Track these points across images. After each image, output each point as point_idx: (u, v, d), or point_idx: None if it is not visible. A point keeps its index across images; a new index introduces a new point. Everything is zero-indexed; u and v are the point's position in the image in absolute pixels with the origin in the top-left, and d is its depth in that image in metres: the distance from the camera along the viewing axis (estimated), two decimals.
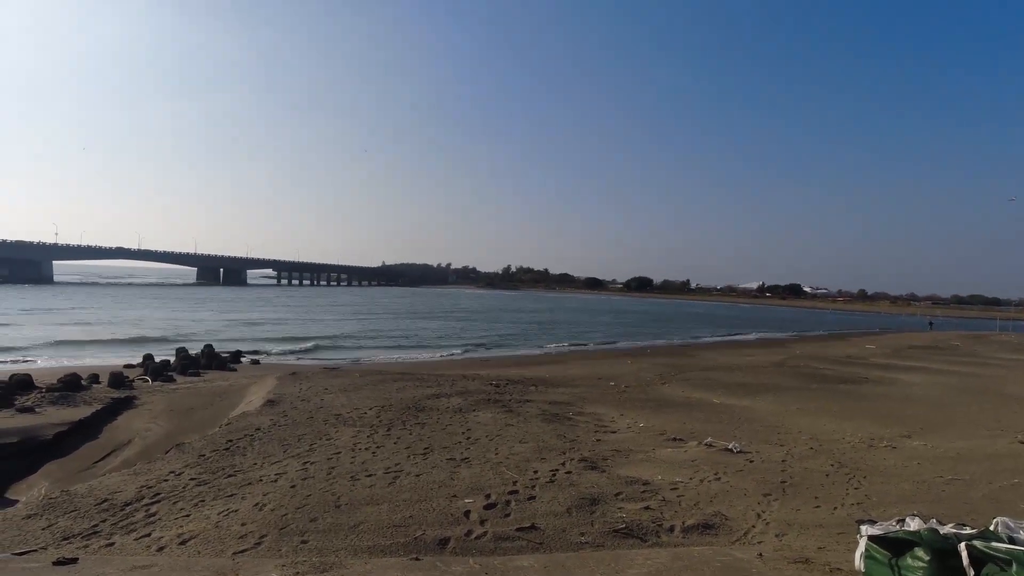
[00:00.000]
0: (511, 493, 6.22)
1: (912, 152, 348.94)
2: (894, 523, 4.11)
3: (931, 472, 7.63)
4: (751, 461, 8.07)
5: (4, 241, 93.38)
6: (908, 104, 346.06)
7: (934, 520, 4.02)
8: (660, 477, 7.16)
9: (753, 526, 5.59)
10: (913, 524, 3.97)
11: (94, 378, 14.13)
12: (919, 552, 3.63)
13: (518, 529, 5.23)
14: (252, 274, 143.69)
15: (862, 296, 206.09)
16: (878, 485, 7.03)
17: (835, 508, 6.12)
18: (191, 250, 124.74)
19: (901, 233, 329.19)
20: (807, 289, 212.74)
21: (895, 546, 3.82)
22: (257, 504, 5.74)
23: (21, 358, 20.47)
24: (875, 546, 3.90)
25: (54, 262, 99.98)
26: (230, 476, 6.75)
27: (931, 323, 72.95)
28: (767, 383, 17.04)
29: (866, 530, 4.07)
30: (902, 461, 8.28)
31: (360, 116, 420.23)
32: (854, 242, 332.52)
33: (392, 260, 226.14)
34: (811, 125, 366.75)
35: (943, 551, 3.57)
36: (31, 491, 7.67)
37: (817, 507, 6.16)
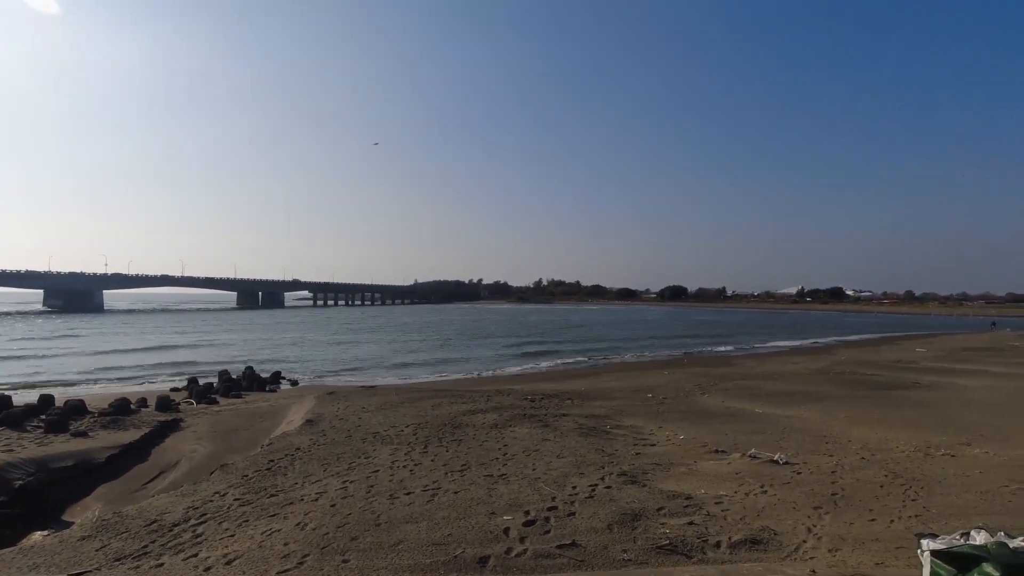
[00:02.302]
0: (550, 509, 6.13)
1: (953, 143, 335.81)
2: (958, 537, 3.88)
3: (996, 481, 7.20)
4: (799, 473, 7.78)
5: (59, 273, 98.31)
6: (947, 95, 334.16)
7: (1002, 533, 3.77)
8: (703, 491, 6.96)
9: (804, 541, 5.36)
10: (979, 538, 3.74)
11: (142, 402, 14.62)
12: (987, 568, 3.41)
13: (558, 546, 5.14)
14: (289, 296, 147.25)
15: (909, 297, 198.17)
16: (938, 496, 6.67)
17: (892, 521, 5.82)
18: (231, 275, 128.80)
19: (947, 229, 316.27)
20: (850, 292, 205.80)
21: (960, 561, 3.61)
22: (299, 523, 5.81)
23: (74, 382, 21.34)
24: (939, 562, 3.69)
25: (104, 291, 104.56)
26: (272, 496, 6.86)
27: (994, 323, 69.23)
28: (812, 391, 16.47)
29: (928, 544, 3.85)
30: (963, 470, 7.84)
31: (388, 135, 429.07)
32: (897, 242, 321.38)
33: (424, 278, 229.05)
34: (845, 125, 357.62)
35: (1014, 566, 3.35)
36: (85, 513, 7.94)
37: (872, 520, 5.87)
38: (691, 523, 5.78)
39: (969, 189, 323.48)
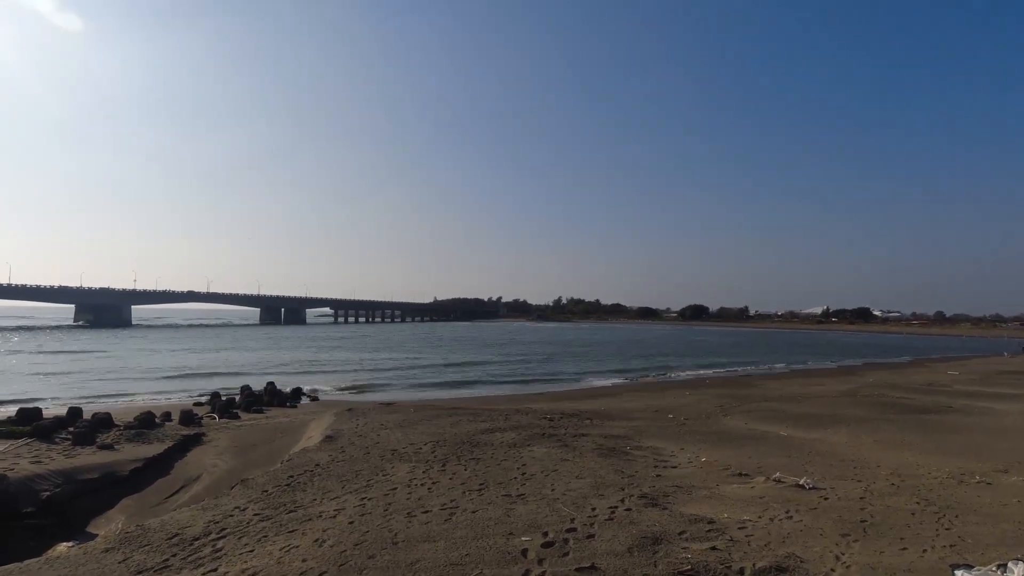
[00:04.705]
0: (569, 531, 6.04)
1: (986, 161, 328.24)
2: (994, 568, 3.73)
3: None
4: (826, 498, 7.56)
5: (90, 288, 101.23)
6: (983, 107, 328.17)
7: None
8: (726, 515, 6.79)
9: (832, 569, 5.19)
10: (1017, 570, 3.59)
11: (167, 416, 14.87)
12: None
13: (577, 569, 5.05)
14: (310, 313, 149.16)
15: (940, 319, 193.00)
16: (972, 526, 6.41)
17: (924, 551, 5.61)
18: (254, 291, 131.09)
19: (980, 249, 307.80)
20: (877, 313, 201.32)
21: None
22: (317, 540, 5.81)
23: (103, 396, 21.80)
24: None
25: (132, 307, 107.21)
26: (291, 512, 6.89)
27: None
28: (839, 414, 16.05)
29: None
30: (999, 499, 7.54)
31: (408, 151, 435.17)
32: (927, 261, 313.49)
33: (443, 296, 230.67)
34: (875, 142, 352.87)
35: None
36: (109, 525, 8.06)
37: (904, 549, 5.66)
38: (714, 548, 5.64)
39: (1002, 207, 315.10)
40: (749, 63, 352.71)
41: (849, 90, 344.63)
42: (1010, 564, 3.70)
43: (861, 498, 7.56)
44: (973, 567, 3.83)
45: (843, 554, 5.56)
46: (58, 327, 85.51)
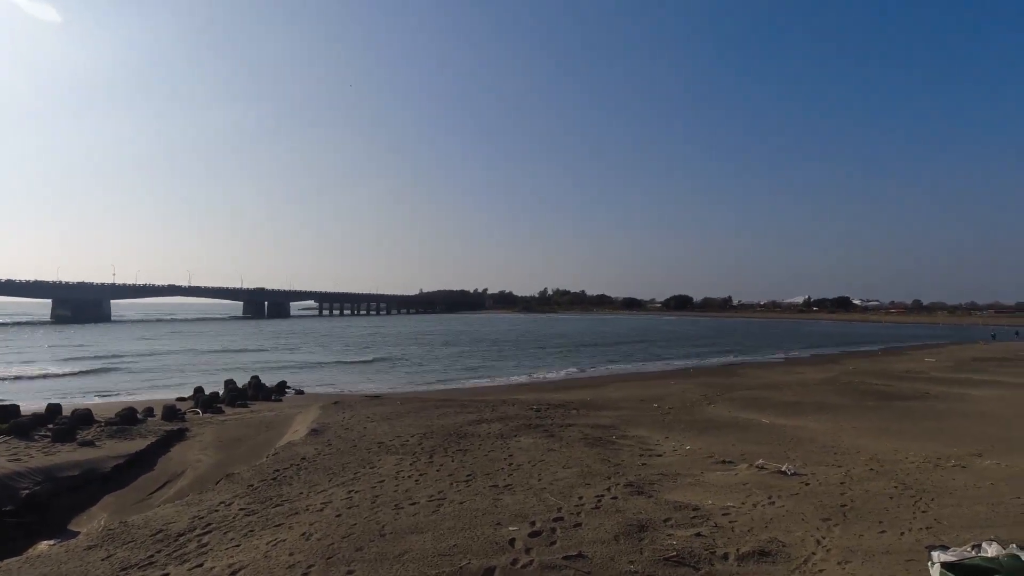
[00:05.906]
0: (556, 520, 6.09)
1: (962, 152, 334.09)
2: (969, 549, 3.84)
3: (1008, 493, 7.11)
4: (807, 484, 7.70)
5: (67, 283, 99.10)
6: (962, 101, 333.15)
7: (1013, 545, 3.72)
8: (710, 502, 6.90)
9: (813, 553, 5.30)
10: (991, 550, 3.70)
11: (149, 411, 14.66)
12: None
13: (565, 557, 5.10)
14: (295, 306, 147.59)
15: (917, 307, 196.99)
16: (948, 508, 6.58)
17: (902, 533, 5.75)
18: (237, 284, 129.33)
19: (956, 238, 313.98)
20: (856, 302, 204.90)
21: (971, 574, 3.56)
22: (304, 534, 5.79)
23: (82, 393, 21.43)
24: (950, 575, 3.64)
25: (112, 301, 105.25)
26: (278, 506, 6.85)
27: (993, 335, 68.18)
28: (819, 401, 16.34)
29: (938, 557, 3.81)
30: (974, 481, 7.75)
31: (392, 141, 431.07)
32: (905, 251, 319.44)
33: (429, 287, 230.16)
34: (851, 134, 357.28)
35: None
36: (91, 523, 7.96)
37: (882, 532, 5.80)
38: (698, 534, 5.73)
39: (976, 197, 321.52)
40: (735, 58, 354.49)
41: (829, 85, 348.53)
42: (984, 544, 3.81)
43: (841, 483, 7.72)
44: (949, 548, 3.94)
45: (824, 538, 5.68)
46: (37, 323, 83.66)
